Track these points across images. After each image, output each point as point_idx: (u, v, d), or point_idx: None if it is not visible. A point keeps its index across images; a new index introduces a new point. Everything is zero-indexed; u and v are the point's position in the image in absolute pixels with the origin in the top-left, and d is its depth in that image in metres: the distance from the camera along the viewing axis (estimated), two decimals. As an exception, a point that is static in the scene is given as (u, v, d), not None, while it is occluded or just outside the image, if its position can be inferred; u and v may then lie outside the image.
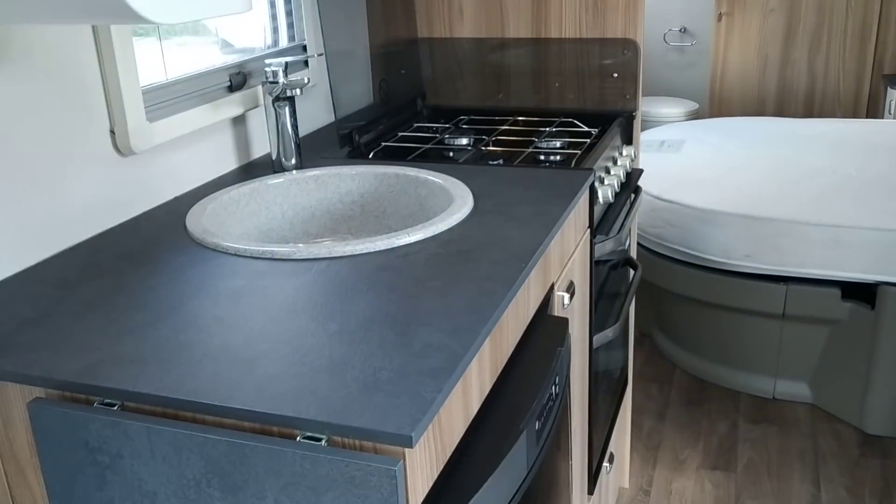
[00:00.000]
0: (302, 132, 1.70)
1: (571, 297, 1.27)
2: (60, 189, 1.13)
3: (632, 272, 1.94)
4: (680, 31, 4.46)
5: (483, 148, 1.64)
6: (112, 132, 1.21)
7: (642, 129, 3.64)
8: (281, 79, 1.40)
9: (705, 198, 2.54)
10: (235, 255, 1.09)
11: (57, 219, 1.13)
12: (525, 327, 1.08)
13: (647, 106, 4.15)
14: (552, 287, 1.20)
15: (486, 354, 0.91)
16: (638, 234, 2.67)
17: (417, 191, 1.40)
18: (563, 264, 1.27)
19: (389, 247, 1.09)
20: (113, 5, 0.69)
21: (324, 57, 1.55)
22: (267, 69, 1.41)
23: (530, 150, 1.61)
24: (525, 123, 1.83)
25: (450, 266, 1.01)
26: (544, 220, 1.16)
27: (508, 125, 1.82)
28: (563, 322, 1.17)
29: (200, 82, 1.40)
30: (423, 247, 1.08)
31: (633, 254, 2.08)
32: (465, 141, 1.68)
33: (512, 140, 1.71)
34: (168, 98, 1.33)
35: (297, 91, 1.41)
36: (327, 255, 1.07)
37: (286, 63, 1.41)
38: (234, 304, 0.94)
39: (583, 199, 1.38)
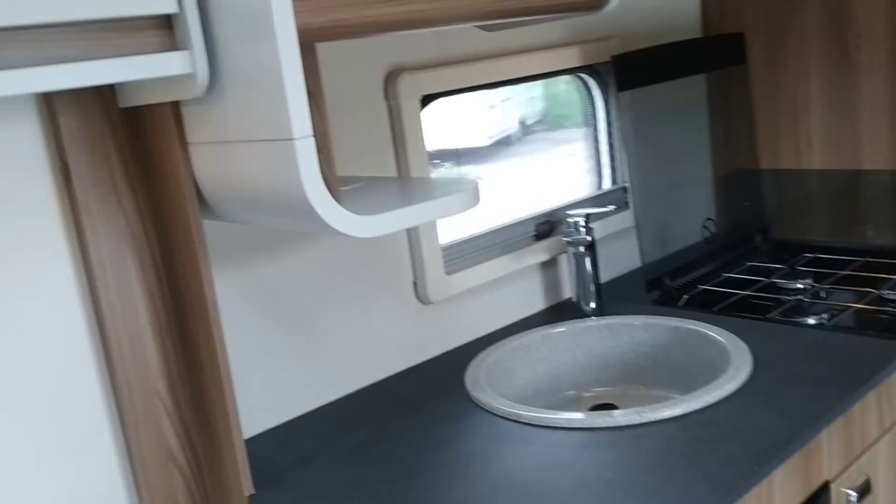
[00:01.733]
0: (618, 270, 1.72)
1: (863, 495, 1.09)
2: (363, 334, 1.31)
3: None
4: None
5: (815, 296, 1.49)
6: (415, 283, 1.38)
7: None
8: (581, 232, 1.46)
9: None
10: (501, 416, 1.16)
11: (356, 361, 1.31)
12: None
13: None
14: (825, 485, 1.05)
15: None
16: None
17: (708, 350, 1.33)
18: (853, 457, 1.10)
19: (639, 422, 1.06)
20: (318, 224, 0.82)
21: (632, 197, 1.56)
22: (569, 219, 1.47)
23: (864, 302, 1.42)
24: (878, 267, 1.61)
25: (677, 455, 0.96)
26: (815, 408, 1.03)
27: (855, 268, 1.62)
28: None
29: (504, 234, 1.51)
30: (661, 429, 1.04)
31: None
32: (799, 285, 1.54)
33: (855, 285, 1.52)
34: (470, 250, 1.46)
35: (595, 238, 1.45)
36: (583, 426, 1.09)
37: (587, 215, 1.46)
38: (464, 466, 1.01)
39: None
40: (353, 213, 0.83)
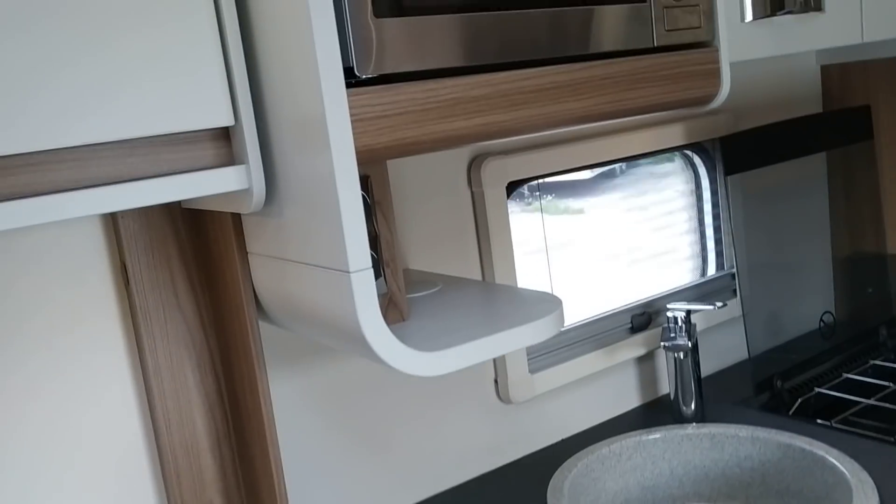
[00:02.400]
0: (722, 363, 1.57)
1: None
2: (438, 436, 1.22)
3: None
4: None
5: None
6: (495, 381, 1.28)
7: None
8: (681, 330, 1.33)
9: None
10: (569, 543, 1.04)
11: (430, 465, 1.22)
12: None
13: None
14: None
15: None
16: None
17: (825, 477, 1.17)
18: None
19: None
20: (375, 359, 0.74)
21: (739, 284, 1.42)
22: (668, 313, 1.34)
23: None
24: None
25: None
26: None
27: None
28: None
29: (596, 327, 1.40)
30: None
31: None
32: (931, 392, 1.37)
33: None
34: (557, 346, 1.35)
35: (698, 331, 1.32)
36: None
37: (688, 311, 1.33)
38: None
39: None
40: (416, 349, 0.74)
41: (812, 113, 1.66)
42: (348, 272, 0.69)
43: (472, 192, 1.22)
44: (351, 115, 0.68)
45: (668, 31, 0.89)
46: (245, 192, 0.76)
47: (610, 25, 0.85)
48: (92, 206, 0.69)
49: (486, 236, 1.22)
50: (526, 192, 1.33)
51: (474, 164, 1.21)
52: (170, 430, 0.96)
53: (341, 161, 0.67)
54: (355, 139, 0.69)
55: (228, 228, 0.87)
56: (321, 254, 0.72)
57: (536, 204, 1.36)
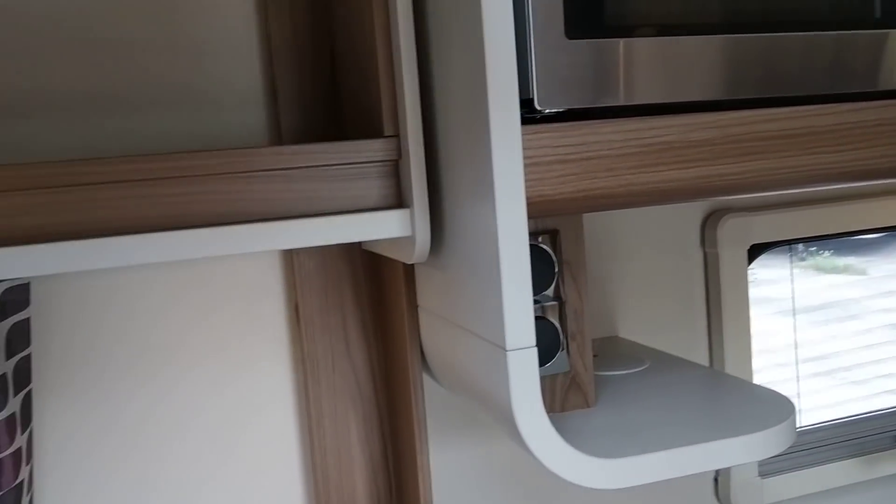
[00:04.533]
0: None
1: None
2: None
3: None
4: None
5: None
6: (715, 480, 1.07)
7: None
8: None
9: None
10: None
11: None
12: None
13: None
14: None
15: None
16: None
17: None
18: None
19: None
20: (528, 452, 0.60)
21: None
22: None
23: None
24: None
25: None
26: None
27: None
28: None
29: (852, 429, 1.13)
30: None
31: None
32: None
33: None
34: (797, 447, 1.11)
35: None
36: None
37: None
38: None
39: None
40: (587, 452, 0.59)
41: None
42: (504, 349, 0.56)
43: (704, 254, 1.03)
44: (525, 158, 0.55)
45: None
46: (408, 240, 0.66)
47: None
48: (239, 245, 0.62)
49: (718, 308, 1.02)
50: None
51: (710, 221, 1.02)
52: (328, 490, 0.87)
53: (507, 212, 0.54)
54: (528, 187, 0.56)
55: (400, 277, 0.77)
56: (479, 321, 0.60)
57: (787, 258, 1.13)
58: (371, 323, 0.87)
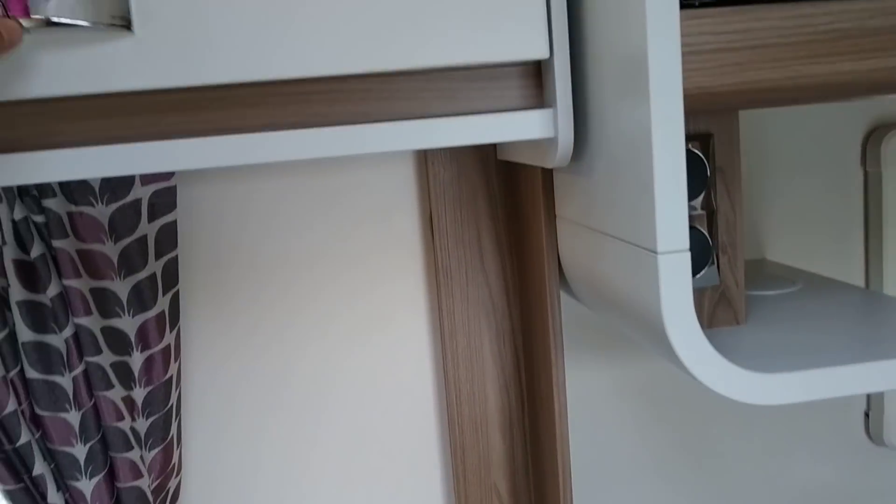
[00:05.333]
0: None
1: None
2: (780, 471, 0.99)
3: None
4: None
5: None
6: (866, 414, 1.01)
7: None
8: None
9: None
10: None
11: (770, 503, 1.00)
12: None
13: None
14: None
15: None
16: None
17: None
18: None
19: None
20: (681, 367, 0.56)
21: None
22: None
23: None
24: None
25: None
26: None
27: None
28: None
29: None
30: None
31: None
32: None
33: None
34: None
35: None
36: None
37: None
38: None
39: None
40: (741, 365, 0.55)
41: None
42: (655, 252, 0.52)
43: (865, 173, 0.95)
44: (683, 47, 0.51)
45: None
46: (550, 142, 0.63)
47: None
48: (376, 144, 0.61)
49: (878, 232, 0.95)
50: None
51: (873, 137, 0.94)
52: (459, 401, 0.87)
53: (662, 106, 0.50)
54: (686, 78, 0.52)
55: (538, 186, 0.74)
56: (627, 225, 0.57)
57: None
58: (506, 235, 0.85)
